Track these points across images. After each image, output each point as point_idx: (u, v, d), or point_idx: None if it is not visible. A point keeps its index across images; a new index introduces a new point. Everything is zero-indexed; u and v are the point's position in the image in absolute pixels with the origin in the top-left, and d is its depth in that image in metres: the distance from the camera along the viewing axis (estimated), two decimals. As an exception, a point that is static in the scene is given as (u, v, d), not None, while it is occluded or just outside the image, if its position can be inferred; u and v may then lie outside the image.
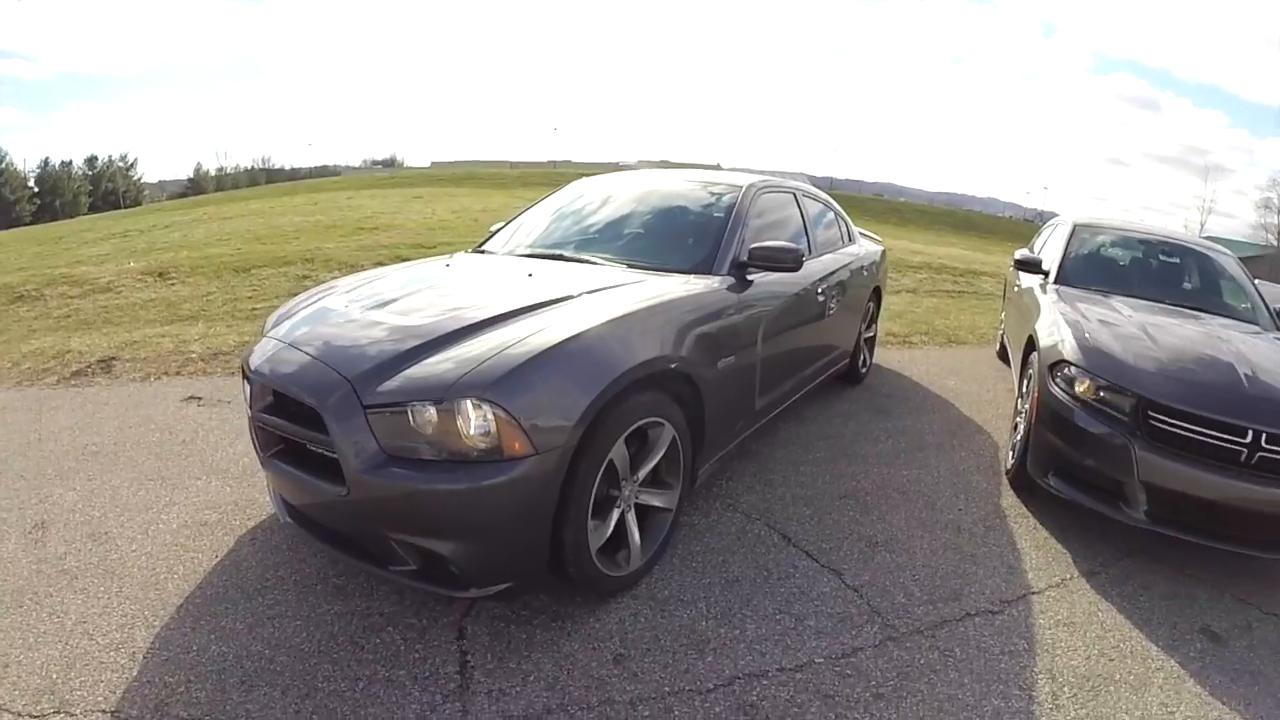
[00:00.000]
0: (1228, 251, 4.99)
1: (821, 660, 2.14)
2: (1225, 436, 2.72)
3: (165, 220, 18.78)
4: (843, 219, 4.78)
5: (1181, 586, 2.82)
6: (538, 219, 3.68)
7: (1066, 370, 3.15)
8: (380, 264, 8.02)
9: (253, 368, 2.22)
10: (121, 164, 75.99)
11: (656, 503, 2.41)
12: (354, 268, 7.75)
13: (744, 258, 2.95)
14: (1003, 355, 6.01)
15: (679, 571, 2.52)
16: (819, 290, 3.69)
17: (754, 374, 3.01)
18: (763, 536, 2.82)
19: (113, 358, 4.53)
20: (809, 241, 3.86)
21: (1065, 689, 2.14)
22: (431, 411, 1.83)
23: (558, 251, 3.18)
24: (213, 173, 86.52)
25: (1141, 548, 3.05)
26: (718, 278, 2.83)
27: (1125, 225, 5.42)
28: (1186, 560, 2.98)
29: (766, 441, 3.73)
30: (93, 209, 60.72)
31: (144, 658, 1.95)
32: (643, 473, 2.30)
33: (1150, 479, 2.78)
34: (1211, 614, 2.66)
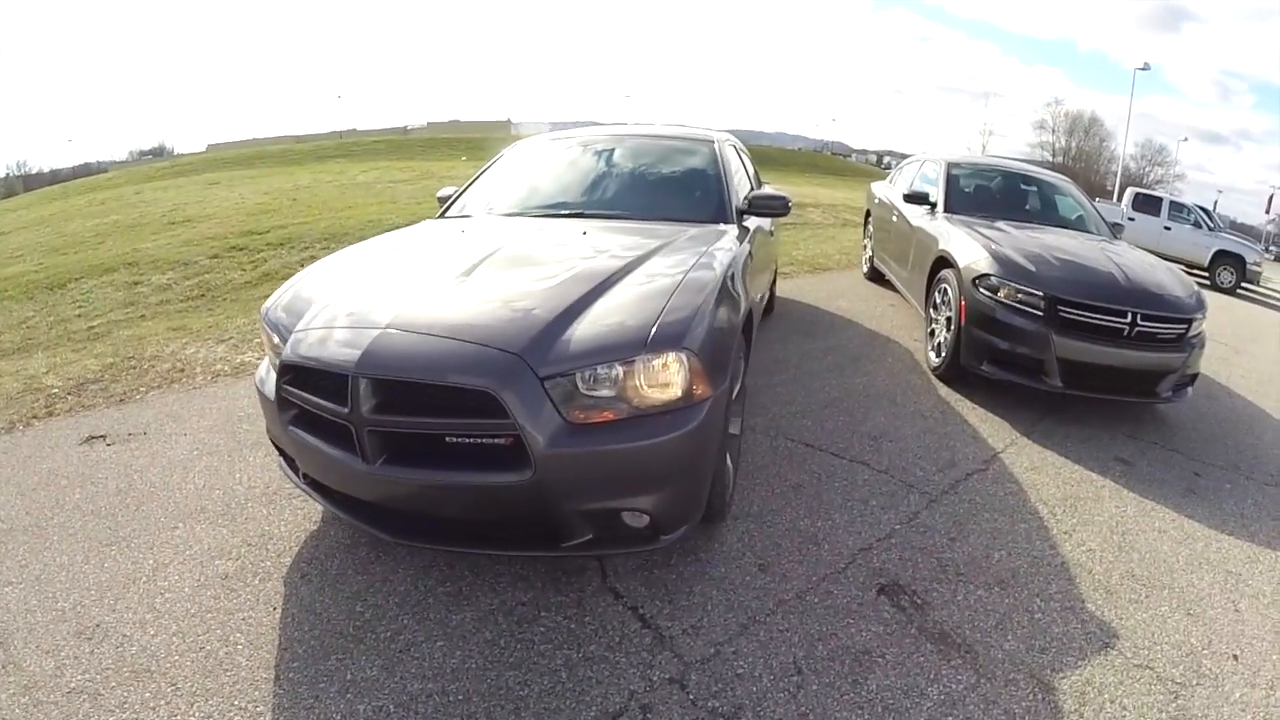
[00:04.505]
0: (1065, 178, 6.64)
1: (899, 526, 2.96)
2: (1113, 319, 4.05)
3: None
4: (753, 163, 5.56)
5: (1089, 432, 4.18)
6: (516, 183, 3.94)
7: (989, 280, 4.31)
8: (218, 257, 7.59)
9: (351, 364, 1.96)
10: None
11: (734, 430, 2.80)
12: (189, 265, 7.30)
13: (742, 205, 3.57)
14: (873, 277, 7.46)
15: (751, 490, 3.14)
16: (770, 231, 4.47)
17: (756, 306, 3.64)
18: (791, 449, 3.58)
19: (-53, 416, 3.78)
20: (753, 185, 4.63)
21: (1056, 509, 3.25)
22: (619, 370, 1.96)
23: (579, 210, 3.49)
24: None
25: (1052, 410, 4.38)
26: (730, 226, 3.39)
27: (985, 160, 6.92)
28: (1084, 414, 4.34)
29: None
30: None
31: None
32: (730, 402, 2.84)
33: (1063, 355, 4.04)
34: (1117, 448, 4.03)
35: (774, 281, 6.04)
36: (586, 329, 2.08)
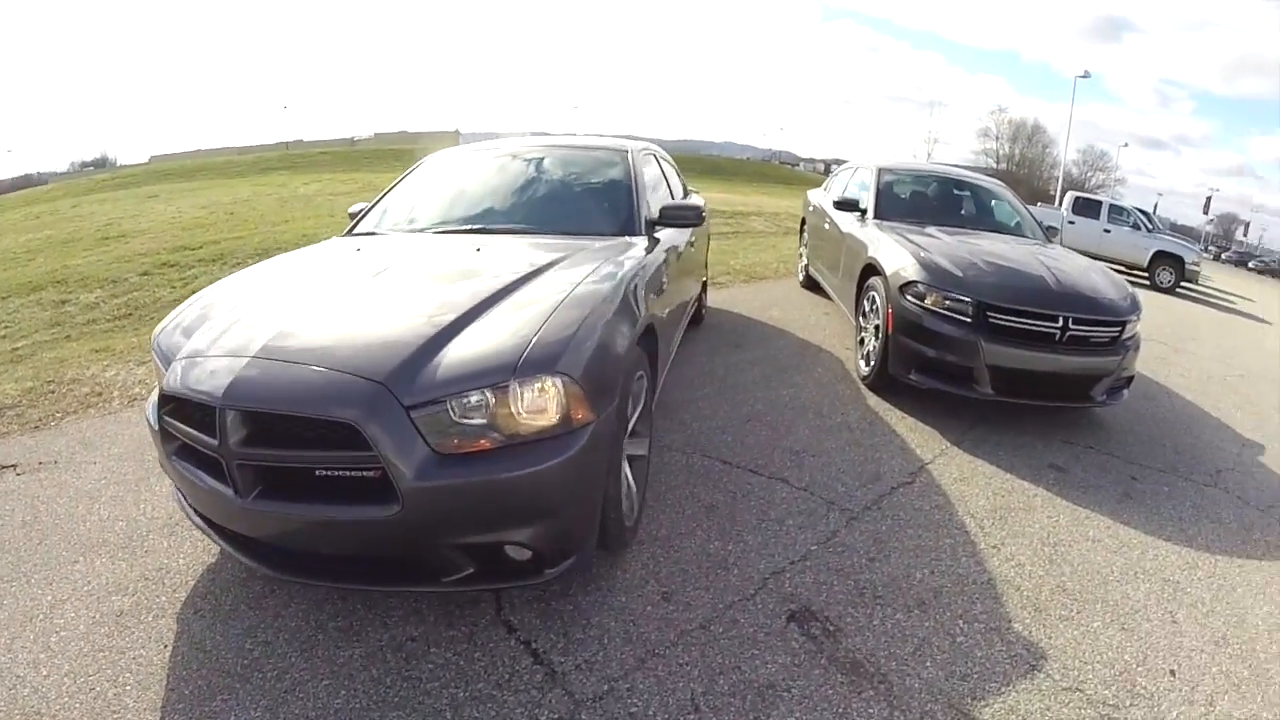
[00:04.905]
0: (1000, 183, 6.75)
1: (816, 546, 2.85)
2: (1044, 324, 4.05)
3: None
4: (679, 173, 5.53)
5: (1022, 439, 4.16)
6: (424, 197, 3.90)
7: (917, 288, 4.28)
8: (148, 274, 7.52)
9: (218, 395, 1.94)
10: None
11: (638, 451, 2.87)
12: (118, 283, 7.18)
13: (654, 216, 3.53)
14: (808, 285, 7.48)
15: (661, 512, 3.02)
16: (691, 242, 4.39)
17: (671, 318, 3.62)
18: (708, 466, 3.45)
19: None
20: (672, 195, 4.60)
21: (985, 521, 3.18)
22: (489, 396, 1.93)
23: (480, 226, 3.45)
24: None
25: (983, 418, 4.36)
26: (640, 238, 3.36)
27: (918, 166, 7.02)
28: (1017, 420, 4.33)
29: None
30: None
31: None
32: (631, 425, 2.73)
33: (994, 362, 4.02)
34: (1050, 453, 4.02)
35: (703, 293, 6.03)
36: (457, 353, 2.04)
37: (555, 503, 2.03)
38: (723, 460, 3.52)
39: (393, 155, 34.29)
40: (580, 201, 3.77)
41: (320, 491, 1.95)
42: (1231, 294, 19.37)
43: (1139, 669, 2.37)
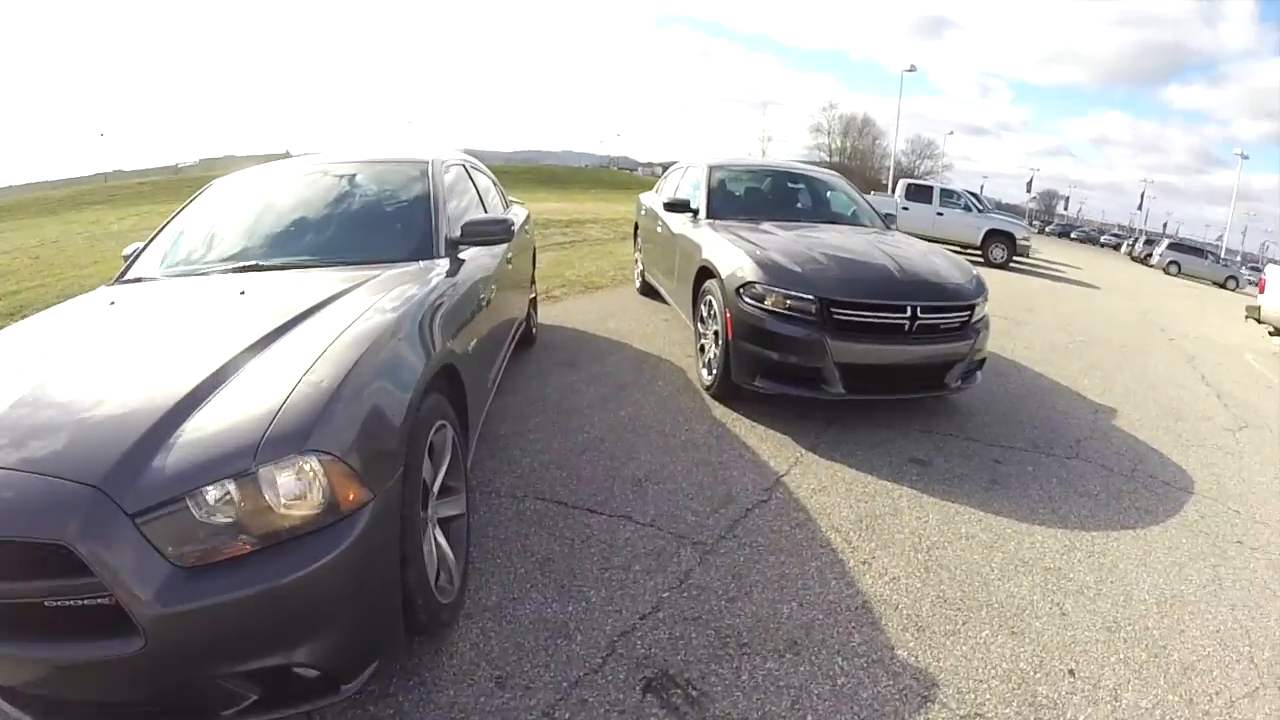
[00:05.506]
0: (835, 173, 6.82)
1: (668, 593, 2.55)
2: (892, 315, 3.99)
3: None
4: (498, 184, 5.18)
5: (879, 434, 4.08)
6: (200, 230, 3.46)
7: (755, 289, 4.10)
8: None
9: None
10: None
11: (453, 511, 2.50)
12: None
13: (456, 235, 3.19)
14: (645, 291, 7.37)
15: (490, 573, 2.65)
16: (508, 259, 4.04)
17: (485, 349, 3.27)
18: (542, 510, 3.09)
19: None
20: (486, 209, 4.25)
21: (851, 534, 3.00)
22: (232, 489, 1.61)
23: (253, 262, 3.04)
24: None
25: (837, 417, 4.27)
26: (440, 260, 3.02)
27: (750, 161, 7.00)
28: (870, 416, 4.27)
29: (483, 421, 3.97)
30: None
31: None
32: (438, 484, 2.37)
33: (843, 360, 3.91)
34: (909, 447, 3.96)
35: (533, 310, 5.73)
36: (193, 435, 1.70)
37: (334, 608, 1.73)
38: (558, 501, 3.16)
39: (218, 181, 33.08)
40: (370, 224, 3.41)
41: (56, 627, 1.59)
42: (1060, 264, 21.27)
43: (1037, 676, 2.28)
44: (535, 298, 5.97)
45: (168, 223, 3.51)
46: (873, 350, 3.96)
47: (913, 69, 41.79)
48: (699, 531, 2.93)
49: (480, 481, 3.32)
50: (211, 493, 1.60)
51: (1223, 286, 27.13)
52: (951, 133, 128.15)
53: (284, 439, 1.66)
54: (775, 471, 3.52)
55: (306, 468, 1.66)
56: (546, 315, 6.55)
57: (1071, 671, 2.31)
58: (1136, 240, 39.99)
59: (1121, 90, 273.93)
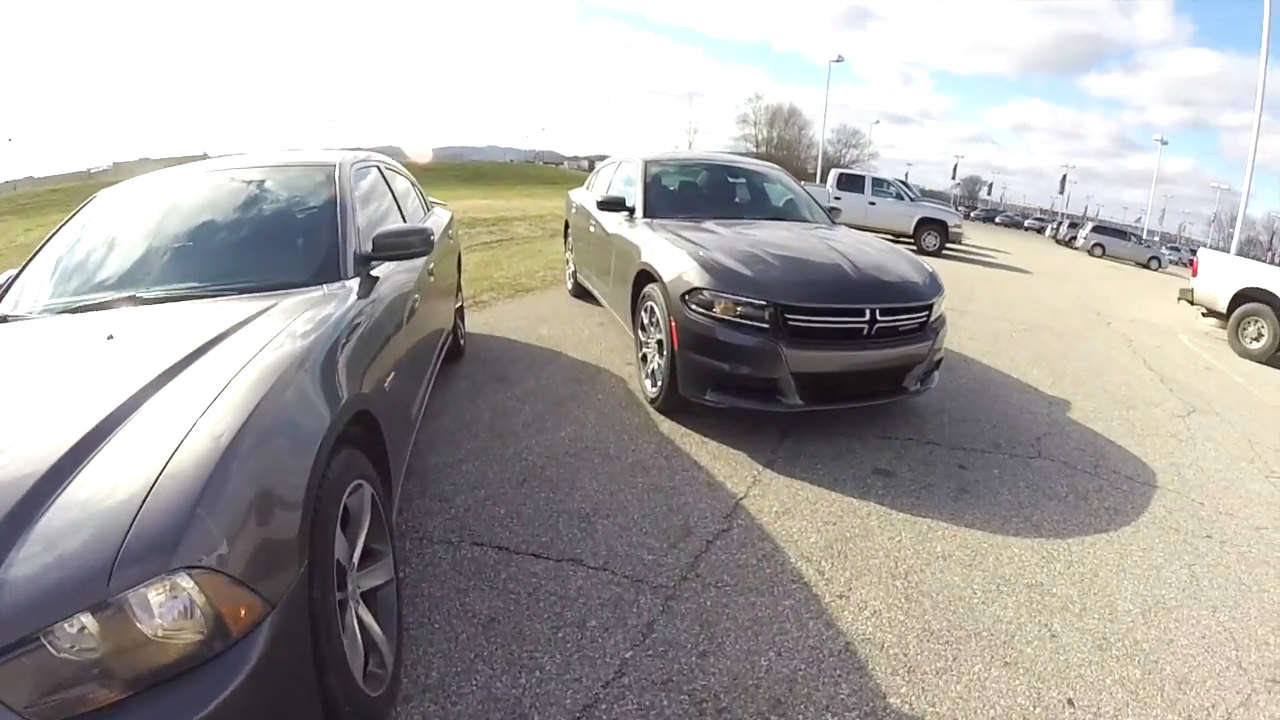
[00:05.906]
0: (774, 165, 6.61)
1: (631, 652, 2.27)
2: (850, 319, 3.79)
3: None
4: (418, 187, 4.79)
5: (837, 444, 3.88)
6: (73, 256, 2.99)
7: (702, 295, 3.83)
8: None
9: None
10: None
11: (379, 580, 2.15)
12: None
13: (367, 250, 2.82)
14: (578, 293, 7.07)
15: (429, 643, 2.32)
16: (429, 270, 3.66)
17: (407, 378, 2.91)
18: (481, 558, 2.76)
19: None
20: (404, 216, 3.86)
21: (823, 562, 2.77)
22: (88, 623, 1.28)
23: (128, 294, 2.62)
24: None
25: (791, 427, 4.04)
26: (349, 281, 2.64)
27: (687, 155, 6.71)
28: (827, 424, 4.06)
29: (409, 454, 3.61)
30: None
31: None
32: (358, 554, 2.03)
33: (800, 369, 3.67)
34: (870, 456, 3.76)
35: (460, 321, 5.34)
36: (35, 551, 1.32)
37: None
38: (498, 546, 2.84)
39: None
40: (267, 242, 2.99)
41: None
42: (989, 249, 21.71)
43: (1037, 711, 2.14)
44: (462, 306, 5.57)
45: (45, 244, 3.07)
46: (831, 357, 3.76)
47: (840, 59, 42.67)
48: (658, 573, 2.66)
49: (410, 526, 2.97)
50: (67, 630, 1.26)
51: (1145, 267, 28.29)
52: (878, 122, 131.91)
53: (143, 555, 1.31)
54: (733, 494, 3.27)
55: (178, 586, 1.33)
56: (475, 323, 6.18)
57: (1070, 701, 2.17)
58: (1060, 224, 41.48)
59: (1041, 79, 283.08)
